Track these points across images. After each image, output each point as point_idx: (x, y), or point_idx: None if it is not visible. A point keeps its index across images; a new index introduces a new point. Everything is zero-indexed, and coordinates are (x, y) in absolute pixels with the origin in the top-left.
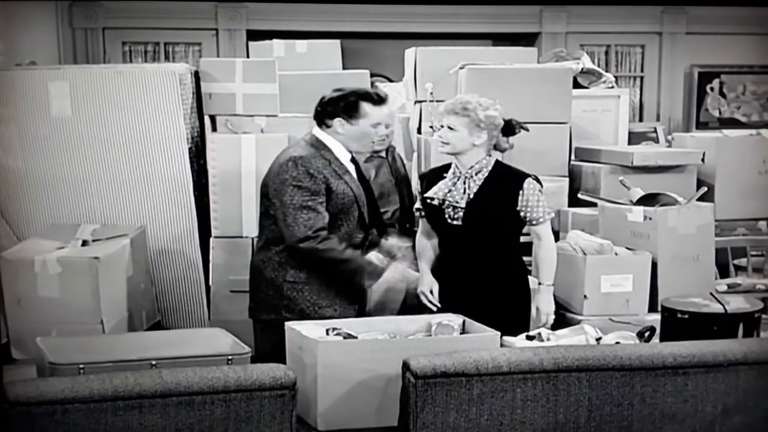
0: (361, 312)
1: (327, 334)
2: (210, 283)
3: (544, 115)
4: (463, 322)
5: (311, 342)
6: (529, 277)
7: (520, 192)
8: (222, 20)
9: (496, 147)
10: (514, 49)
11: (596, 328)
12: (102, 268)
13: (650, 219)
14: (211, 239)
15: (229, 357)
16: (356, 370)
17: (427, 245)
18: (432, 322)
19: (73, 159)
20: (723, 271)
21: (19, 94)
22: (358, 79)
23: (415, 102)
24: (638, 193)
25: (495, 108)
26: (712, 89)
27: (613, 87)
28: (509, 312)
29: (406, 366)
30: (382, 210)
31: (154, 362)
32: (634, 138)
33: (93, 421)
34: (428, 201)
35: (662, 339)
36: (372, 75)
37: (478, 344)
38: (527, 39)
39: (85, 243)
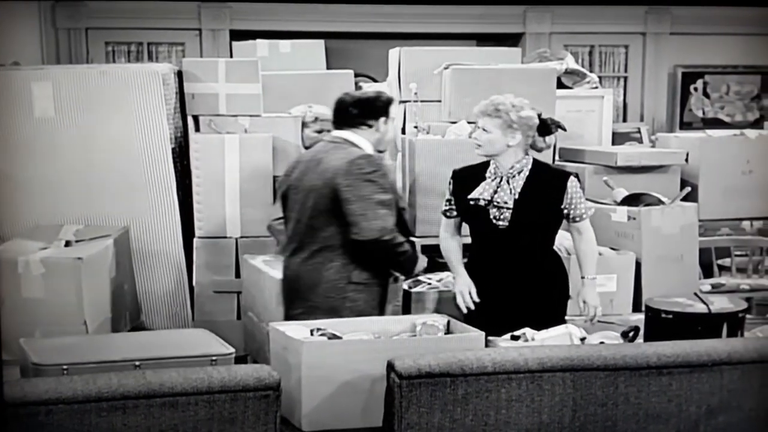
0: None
1: (312, 334)
2: (194, 283)
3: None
4: (448, 322)
5: (296, 342)
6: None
7: (566, 190)
8: (205, 20)
9: (532, 146)
10: (498, 50)
11: (580, 328)
12: (85, 268)
13: (634, 219)
14: (195, 240)
15: (213, 358)
16: (341, 371)
17: (455, 245)
18: (417, 323)
19: (56, 159)
20: (707, 271)
21: (1, 94)
22: (343, 79)
23: (400, 102)
24: (622, 193)
25: (530, 108)
26: (695, 89)
27: (597, 87)
28: (550, 309)
29: (390, 366)
30: None
31: (137, 363)
32: (618, 138)
33: (77, 422)
34: (471, 202)
35: (646, 339)
36: (356, 75)
37: (462, 344)
38: (511, 39)
39: (68, 243)
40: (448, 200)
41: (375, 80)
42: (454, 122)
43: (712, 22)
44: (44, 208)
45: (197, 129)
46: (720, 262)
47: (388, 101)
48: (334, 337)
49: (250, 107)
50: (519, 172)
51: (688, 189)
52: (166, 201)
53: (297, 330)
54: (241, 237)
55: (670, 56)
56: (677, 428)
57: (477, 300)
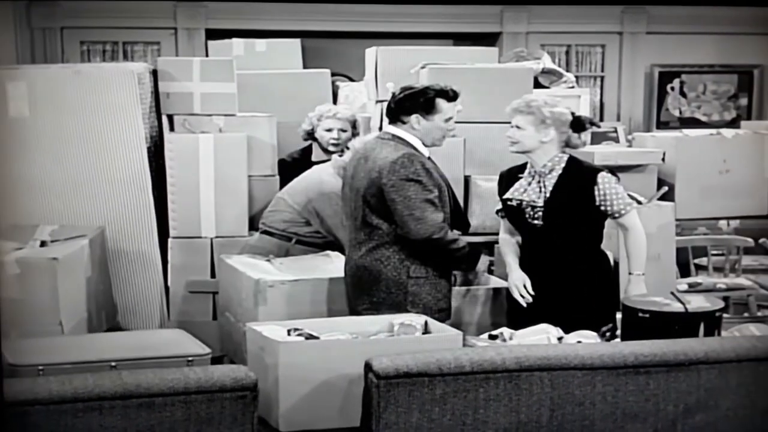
0: None
1: (288, 334)
2: (169, 283)
3: (506, 115)
4: (426, 322)
5: (272, 343)
6: None
7: (596, 187)
8: (181, 19)
9: (567, 144)
10: (475, 49)
11: (557, 328)
12: (61, 268)
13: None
14: (170, 240)
15: (189, 358)
16: (318, 371)
17: (510, 242)
18: (394, 322)
19: (32, 159)
20: (684, 271)
21: None
22: (319, 78)
23: (377, 101)
24: None
25: (562, 105)
26: (672, 89)
27: (573, 87)
28: (597, 306)
29: (368, 366)
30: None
31: (113, 363)
32: (594, 138)
33: (53, 423)
34: (507, 202)
35: (623, 338)
36: (333, 74)
37: (440, 344)
38: (488, 39)
39: (43, 243)
40: (499, 201)
41: (352, 79)
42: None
43: (689, 22)
44: (19, 208)
45: (172, 128)
46: (697, 261)
47: (429, 99)
48: (311, 337)
49: (225, 107)
50: (551, 170)
51: (665, 188)
52: (142, 201)
53: (274, 330)
54: (216, 237)
55: (646, 56)
56: (654, 427)
57: (532, 293)
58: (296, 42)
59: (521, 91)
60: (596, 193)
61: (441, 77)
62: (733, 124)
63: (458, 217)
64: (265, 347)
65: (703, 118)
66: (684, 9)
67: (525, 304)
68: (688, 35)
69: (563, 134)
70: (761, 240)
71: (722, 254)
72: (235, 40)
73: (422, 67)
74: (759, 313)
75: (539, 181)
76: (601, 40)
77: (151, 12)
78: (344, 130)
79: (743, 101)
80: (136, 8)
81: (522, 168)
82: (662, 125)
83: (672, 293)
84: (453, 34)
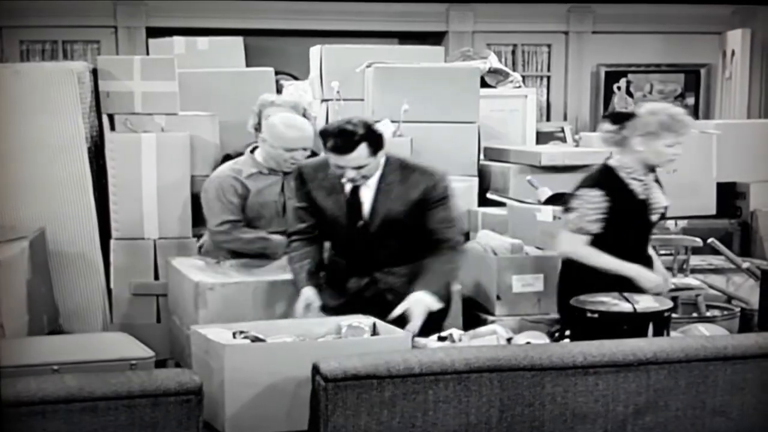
0: None
1: (234, 337)
2: (111, 286)
3: (452, 115)
4: (374, 324)
5: (218, 346)
6: None
7: None
8: (121, 18)
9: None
10: (421, 48)
11: (507, 328)
12: (1, 271)
13: (559, 218)
14: (112, 241)
15: (133, 362)
16: (265, 374)
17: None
18: (342, 324)
19: None
20: None
21: None
22: (262, 77)
23: (322, 101)
24: (546, 192)
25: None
26: (619, 88)
27: (520, 86)
28: None
29: (316, 369)
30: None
31: (56, 367)
32: (541, 137)
33: None
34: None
35: (572, 339)
36: (277, 73)
37: (389, 346)
38: (434, 38)
39: None
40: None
41: (296, 78)
42: (378, 121)
43: (635, 21)
44: None
45: (113, 128)
46: None
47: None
48: (257, 339)
49: (167, 105)
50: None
51: None
52: (82, 201)
53: (219, 333)
54: (160, 238)
55: (592, 55)
56: (604, 428)
57: None
58: (239, 40)
59: (468, 91)
60: None
61: (387, 76)
62: None
63: None
64: (210, 350)
65: None
66: (630, 8)
67: None
68: (634, 34)
69: None
70: (709, 240)
71: (670, 254)
72: (176, 38)
73: (368, 66)
74: (708, 313)
75: (656, 181)
76: (547, 39)
77: (91, 10)
78: None
79: (690, 101)
80: (76, 7)
81: None
82: None
83: (620, 293)
84: (398, 33)
